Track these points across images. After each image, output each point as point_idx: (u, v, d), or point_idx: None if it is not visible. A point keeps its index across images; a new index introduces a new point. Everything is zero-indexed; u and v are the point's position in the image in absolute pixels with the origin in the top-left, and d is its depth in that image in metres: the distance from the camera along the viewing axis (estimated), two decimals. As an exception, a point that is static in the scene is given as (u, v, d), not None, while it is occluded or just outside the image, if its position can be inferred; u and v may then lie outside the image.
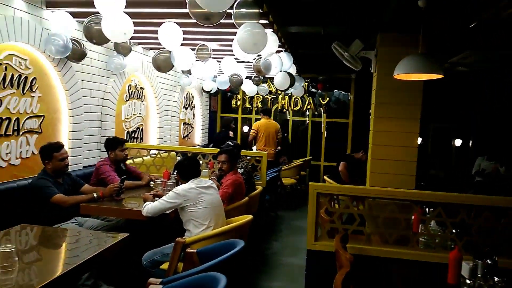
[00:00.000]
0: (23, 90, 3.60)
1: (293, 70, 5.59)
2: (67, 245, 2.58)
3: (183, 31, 3.84)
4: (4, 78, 3.38)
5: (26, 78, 3.63)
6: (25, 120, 3.66)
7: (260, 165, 4.92)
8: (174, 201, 2.97)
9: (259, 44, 3.07)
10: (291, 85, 5.42)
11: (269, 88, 8.41)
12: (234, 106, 9.11)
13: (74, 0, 3.69)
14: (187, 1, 2.66)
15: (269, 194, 5.64)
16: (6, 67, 3.40)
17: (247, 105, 9.05)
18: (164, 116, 6.52)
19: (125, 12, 3.32)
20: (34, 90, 3.75)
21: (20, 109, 3.59)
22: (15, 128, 3.55)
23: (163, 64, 4.49)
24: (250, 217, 3.01)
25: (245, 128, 8.96)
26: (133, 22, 3.44)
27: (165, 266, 2.84)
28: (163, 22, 3.79)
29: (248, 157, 4.94)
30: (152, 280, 2.15)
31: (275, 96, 8.82)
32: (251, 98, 8.86)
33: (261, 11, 3.21)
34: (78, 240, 2.65)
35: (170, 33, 3.69)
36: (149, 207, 3.02)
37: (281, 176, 6.50)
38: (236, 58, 5.13)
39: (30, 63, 3.69)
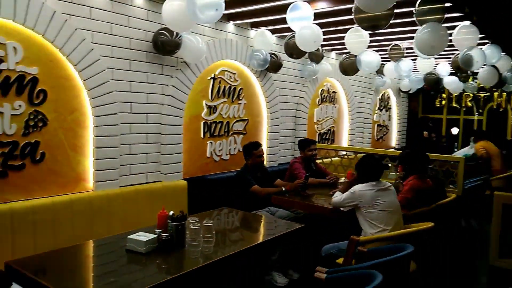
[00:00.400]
0: (232, 99, 4.39)
1: (507, 62, 4.79)
2: (257, 227, 3.04)
3: (372, 33, 3.86)
4: (218, 90, 4.21)
5: (235, 88, 4.41)
6: (233, 123, 4.45)
7: (456, 171, 4.43)
8: (348, 201, 3.05)
9: (437, 47, 2.84)
10: (502, 81, 4.66)
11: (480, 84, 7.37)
12: (438, 105, 8.35)
13: (274, 19, 4.19)
14: (352, 9, 2.73)
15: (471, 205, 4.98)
16: (220, 81, 4.22)
17: (454, 104, 8.15)
18: (356, 118, 6.62)
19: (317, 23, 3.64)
20: (241, 98, 4.50)
21: (230, 114, 4.38)
22: (226, 130, 4.36)
23: (349, 68, 4.62)
24: (429, 224, 2.82)
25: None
26: (327, 30, 3.70)
27: (340, 260, 2.97)
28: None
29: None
30: (319, 268, 2.32)
31: (489, 93, 7.65)
32: (459, 96, 7.93)
33: (450, 4, 2.96)
34: (266, 224, 3.08)
35: (355, 38, 3.80)
36: (333, 200, 3.20)
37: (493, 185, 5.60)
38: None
39: (238, 76, 4.45)
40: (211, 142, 4.21)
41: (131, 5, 3.30)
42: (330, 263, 3.05)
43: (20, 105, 2.70)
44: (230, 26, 4.25)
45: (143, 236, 2.20)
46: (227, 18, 4.13)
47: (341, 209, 3.20)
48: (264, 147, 4.02)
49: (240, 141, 4.53)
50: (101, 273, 2.06)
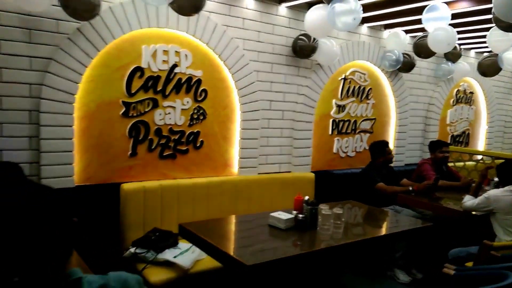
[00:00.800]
0: (361, 98, 4.54)
1: None
2: (381, 221, 3.19)
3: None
4: (348, 90, 4.41)
5: (364, 88, 4.55)
6: (361, 122, 4.60)
7: None
8: (482, 205, 2.98)
9: None
10: None
11: None
12: None
13: (409, 20, 4.21)
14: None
15: None
16: (350, 81, 4.42)
17: None
18: (495, 121, 6.09)
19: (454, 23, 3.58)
20: (369, 98, 4.62)
21: (358, 113, 4.55)
22: (353, 128, 4.54)
23: (489, 69, 4.34)
24: None
25: None
26: (466, 29, 3.60)
27: (469, 264, 2.94)
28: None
29: None
30: (448, 265, 2.40)
31: None
32: None
33: None
34: (391, 218, 3.21)
35: (497, 36, 3.61)
36: (465, 204, 3.15)
37: None
38: None
39: (368, 76, 4.58)
40: (338, 139, 4.45)
41: (276, 15, 3.74)
42: (458, 266, 3.03)
43: (187, 101, 3.33)
44: (364, 28, 4.41)
45: (283, 215, 2.58)
46: (362, 21, 4.29)
47: (473, 213, 3.14)
48: (391, 147, 4.09)
49: (366, 139, 4.66)
50: (248, 239, 2.50)
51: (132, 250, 2.71)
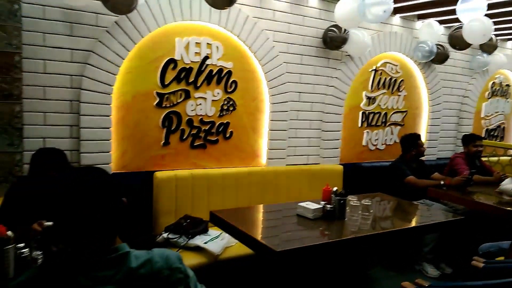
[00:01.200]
0: (392, 90, 4.48)
1: None
2: (411, 214, 3.18)
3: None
4: (379, 81, 4.36)
5: (395, 80, 4.49)
6: (391, 114, 4.54)
7: None
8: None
9: None
10: None
11: None
12: None
13: (443, 10, 4.11)
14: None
15: None
16: (381, 72, 4.37)
17: None
18: (534, 115, 5.86)
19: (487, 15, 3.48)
20: (400, 90, 4.55)
21: (388, 106, 4.50)
22: (383, 120, 4.49)
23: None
24: None
25: None
26: (501, 20, 3.51)
27: (499, 259, 2.88)
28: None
29: None
30: (477, 258, 2.37)
31: None
32: None
33: None
34: (421, 211, 3.18)
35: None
36: (504, 187, 3.09)
37: None
38: None
39: (400, 68, 4.50)
40: (367, 132, 4.42)
41: (306, 6, 3.74)
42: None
43: (218, 93, 3.41)
44: (396, 18, 4.34)
45: (311, 205, 2.62)
46: (394, 11, 4.21)
47: (508, 208, 3.07)
48: (423, 140, 4.03)
49: (397, 132, 4.60)
50: (277, 227, 2.56)
51: (165, 235, 2.83)
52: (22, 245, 1.76)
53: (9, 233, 1.72)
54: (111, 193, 1.09)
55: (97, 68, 2.86)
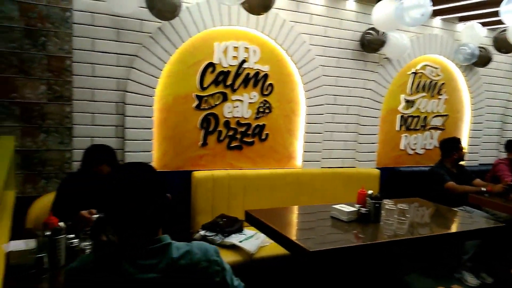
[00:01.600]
0: (432, 93, 4.38)
1: None
2: (449, 220, 3.10)
3: None
4: (418, 84, 4.28)
5: (435, 83, 4.39)
6: (431, 118, 4.44)
7: None
8: None
9: None
10: None
11: None
12: None
13: (486, 12, 3.98)
14: None
15: None
16: (420, 75, 4.29)
17: None
18: None
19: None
20: (441, 93, 4.44)
21: (428, 109, 4.40)
22: (423, 124, 4.40)
23: None
24: None
25: None
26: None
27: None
28: None
29: None
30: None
31: None
32: None
33: None
34: (460, 218, 3.10)
35: None
36: None
37: None
38: None
39: (441, 70, 4.40)
40: (406, 136, 4.34)
41: (344, 9, 3.75)
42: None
43: (254, 95, 3.48)
44: (436, 21, 4.25)
45: (346, 207, 2.63)
46: (434, 13, 4.14)
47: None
48: (464, 145, 3.91)
49: (437, 136, 4.49)
50: (310, 228, 2.59)
51: (202, 232, 2.92)
52: (72, 236, 1.90)
53: (61, 224, 1.86)
54: (157, 189, 1.17)
55: (141, 71, 3.02)
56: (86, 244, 1.92)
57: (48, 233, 1.80)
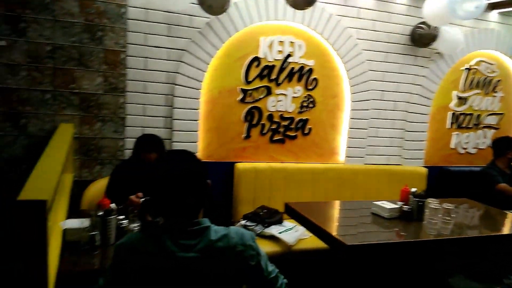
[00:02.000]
0: (486, 91, 4.17)
1: None
2: (499, 222, 2.96)
3: None
4: (472, 81, 4.09)
5: (490, 80, 4.16)
6: (485, 116, 4.22)
7: None
8: None
9: None
10: None
11: None
12: None
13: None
14: None
15: None
16: (474, 71, 4.09)
17: None
18: None
19: None
20: (497, 90, 4.21)
21: (482, 107, 4.19)
22: (475, 122, 4.20)
23: None
24: None
25: None
26: None
27: None
28: None
29: None
30: None
31: None
32: None
33: None
34: (510, 221, 2.95)
35: None
36: None
37: None
38: None
39: (497, 67, 4.17)
40: (457, 134, 4.17)
41: (393, 2, 3.66)
42: None
43: (298, 90, 3.50)
44: (493, 14, 4.02)
45: (387, 204, 2.59)
46: (491, 7, 3.93)
47: None
48: (521, 145, 3.69)
49: (490, 135, 4.27)
50: (350, 223, 2.58)
51: (243, 222, 3.01)
52: (122, 217, 2.05)
53: (113, 205, 2.01)
54: (197, 178, 1.25)
55: (190, 65, 3.14)
56: (135, 226, 2.06)
57: (100, 213, 1.95)
